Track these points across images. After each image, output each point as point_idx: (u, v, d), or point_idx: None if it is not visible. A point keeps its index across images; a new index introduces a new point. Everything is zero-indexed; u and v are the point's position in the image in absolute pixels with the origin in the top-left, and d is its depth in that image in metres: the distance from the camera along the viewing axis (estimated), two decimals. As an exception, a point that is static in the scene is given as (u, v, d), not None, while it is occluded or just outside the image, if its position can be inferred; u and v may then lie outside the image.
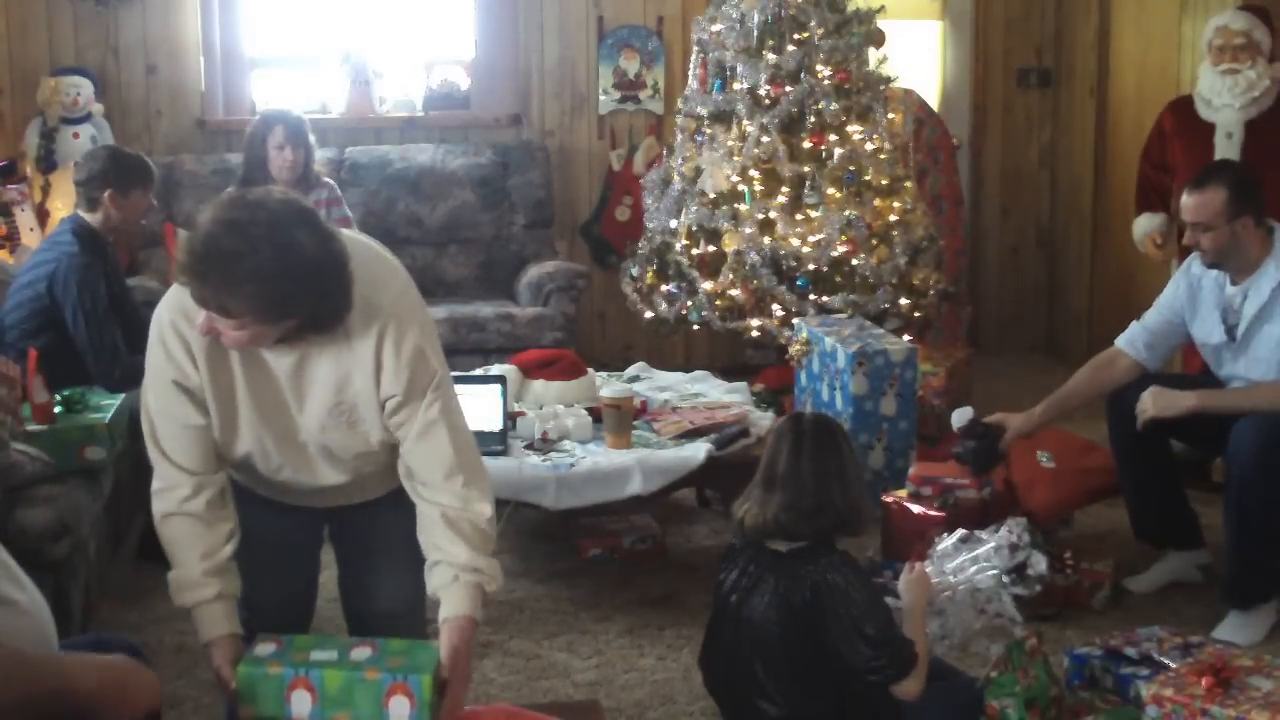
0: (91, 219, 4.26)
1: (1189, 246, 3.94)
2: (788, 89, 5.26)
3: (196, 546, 2.53)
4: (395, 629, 2.82)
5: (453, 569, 2.52)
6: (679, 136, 5.66)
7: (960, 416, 4.00)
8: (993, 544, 3.07)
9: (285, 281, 2.27)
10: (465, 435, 2.59)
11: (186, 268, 2.28)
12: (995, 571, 3.02)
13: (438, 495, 2.54)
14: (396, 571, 2.78)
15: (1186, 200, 3.87)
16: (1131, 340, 4.05)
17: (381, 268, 2.54)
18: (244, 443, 2.56)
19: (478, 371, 4.63)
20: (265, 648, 2.37)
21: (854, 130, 5.31)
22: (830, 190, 5.24)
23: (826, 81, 5.26)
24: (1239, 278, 3.86)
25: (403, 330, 2.47)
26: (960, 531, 3.17)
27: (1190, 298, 3.98)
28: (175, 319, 2.47)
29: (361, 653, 2.35)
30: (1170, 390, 3.82)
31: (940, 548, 3.12)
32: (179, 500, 2.54)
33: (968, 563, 3.05)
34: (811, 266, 5.20)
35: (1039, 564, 3.09)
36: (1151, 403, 3.79)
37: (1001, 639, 3.02)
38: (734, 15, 5.41)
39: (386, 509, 2.75)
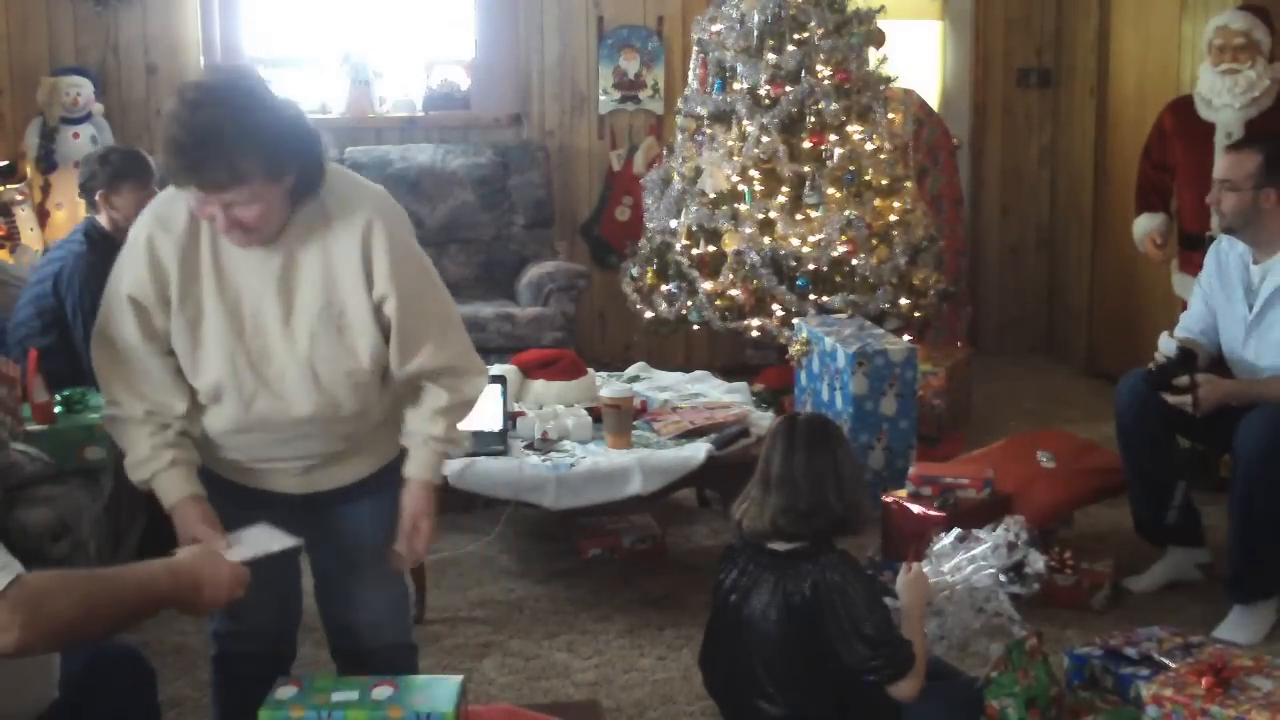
0: (102, 221, 4.29)
1: (1210, 204, 3.99)
2: (788, 89, 5.27)
3: (143, 430, 2.53)
4: (380, 636, 2.79)
5: (421, 435, 2.60)
6: (679, 136, 5.66)
7: (1169, 345, 3.86)
8: (990, 543, 3.07)
9: (269, 128, 2.33)
10: (460, 323, 2.66)
11: (182, 168, 2.32)
12: (992, 571, 3.01)
13: (440, 384, 2.59)
14: (379, 581, 2.76)
15: (1221, 159, 3.98)
16: (1188, 329, 4.06)
17: (356, 177, 2.62)
18: (213, 363, 2.49)
19: (478, 371, 4.63)
20: (286, 691, 2.35)
21: (854, 130, 5.31)
22: (830, 190, 5.24)
23: (826, 81, 5.26)
24: (1261, 255, 3.89)
25: (388, 223, 2.52)
26: (956, 531, 3.16)
27: (1218, 273, 4.01)
28: (153, 231, 2.48)
29: (382, 692, 2.33)
30: (1216, 378, 3.83)
31: (937, 547, 3.12)
32: (124, 413, 2.54)
33: (965, 562, 3.05)
34: (811, 266, 5.20)
35: (1036, 563, 3.09)
36: (1208, 389, 3.77)
37: (1001, 638, 3.02)
38: (734, 15, 5.41)
39: (366, 515, 2.71)
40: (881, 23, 5.55)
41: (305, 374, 2.50)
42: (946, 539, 3.13)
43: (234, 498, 2.65)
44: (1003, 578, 3.01)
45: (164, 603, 2.19)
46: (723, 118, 5.42)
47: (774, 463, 2.86)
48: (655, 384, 4.68)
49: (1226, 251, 4.00)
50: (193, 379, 2.53)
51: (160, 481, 2.53)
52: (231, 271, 2.47)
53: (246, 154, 2.30)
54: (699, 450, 3.96)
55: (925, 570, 3.00)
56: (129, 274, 2.49)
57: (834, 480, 2.83)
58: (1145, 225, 5.10)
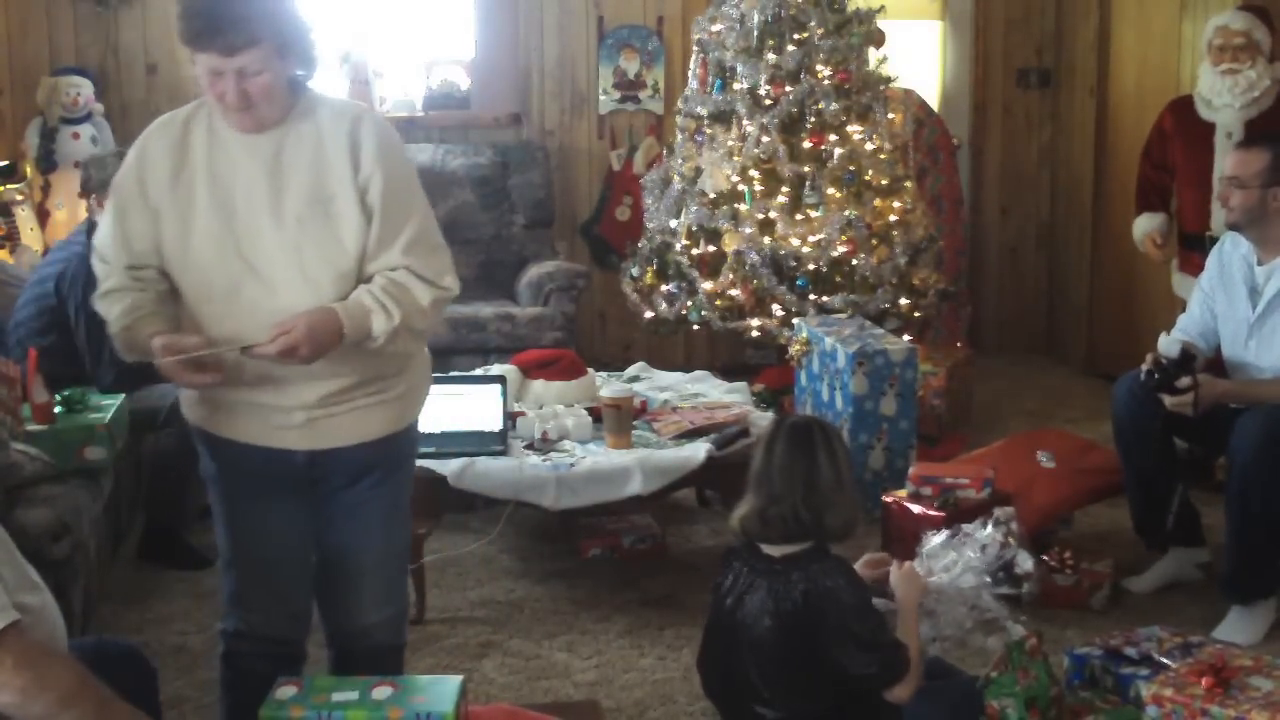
0: None
1: (1220, 201, 3.99)
2: (788, 89, 5.27)
3: (136, 286, 2.62)
4: (385, 637, 2.83)
5: (362, 288, 2.57)
6: (679, 136, 5.66)
7: (1171, 346, 3.83)
8: (980, 543, 3.05)
9: (277, 4, 2.52)
10: (444, 247, 2.72)
11: (201, 31, 2.45)
12: (977, 568, 2.99)
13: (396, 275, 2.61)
14: (377, 589, 2.79)
15: (1230, 156, 3.97)
16: (1185, 331, 4.04)
17: None
18: (201, 249, 2.57)
19: (478, 371, 4.63)
20: (286, 691, 2.35)
21: (854, 130, 5.31)
22: (830, 190, 5.24)
23: (826, 81, 5.26)
24: (1265, 256, 3.88)
25: (379, 121, 2.68)
26: (945, 531, 3.14)
27: (1220, 274, 4.00)
28: (150, 132, 2.65)
29: (382, 692, 2.33)
30: (1212, 378, 3.83)
31: (927, 547, 3.10)
32: (117, 284, 2.63)
33: (954, 563, 3.03)
34: (811, 266, 5.20)
35: (1025, 562, 3.07)
36: (1205, 390, 3.76)
37: (998, 634, 3.01)
38: (734, 15, 5.41)
39: (369, 511, 2.72)
40: (881, 23, 5.55)
41: (292, 259, 2.57)
42: (936, 538, 3.11)
43: (239, 464, 2.67)
44: (987, 578, 2.99)
45: None
46: (723, 118, 5.42)
47: (756, 461, 2.86)
48: (655, 384, 4.68)
49: (1230, 252, 3.99)
50: (182, 274, 2.60)
51: (135, 329, 2.59)
52: (224, 161, 2.59)
53: (260, 16, 2.47)
54: (699, 450, 3.96)
55: (918, 569, 2.99)
56: (119, 174, 2.65)
57: (804, 485, 2.77)
58: (1145, 225, 5.10)
